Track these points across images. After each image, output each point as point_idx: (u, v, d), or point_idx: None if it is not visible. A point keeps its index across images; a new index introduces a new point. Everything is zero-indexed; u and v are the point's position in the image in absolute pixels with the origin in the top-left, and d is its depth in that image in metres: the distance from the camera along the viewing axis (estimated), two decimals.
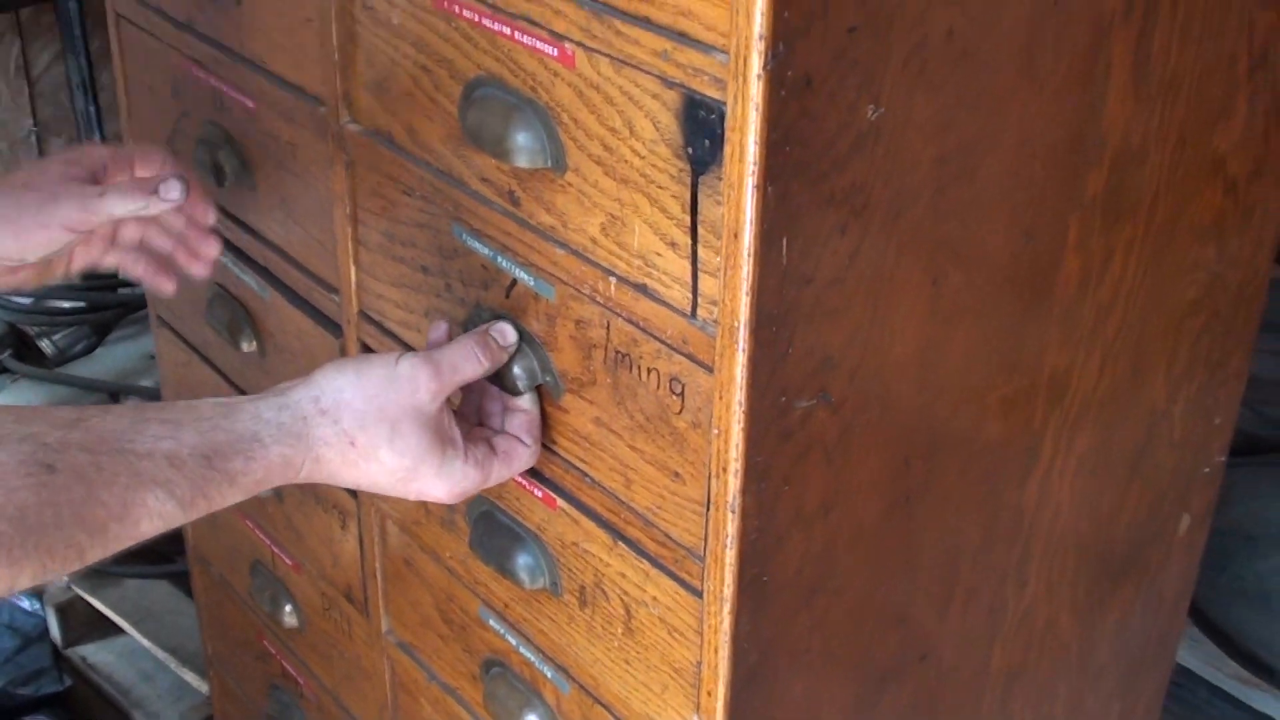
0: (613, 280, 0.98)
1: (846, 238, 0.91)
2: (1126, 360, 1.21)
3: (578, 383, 1.05)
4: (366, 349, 1.28)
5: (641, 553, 1.05)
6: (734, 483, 0.94)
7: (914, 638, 1.17)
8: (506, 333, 1.08)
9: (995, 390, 1.10)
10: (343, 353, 1.32)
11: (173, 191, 1.13)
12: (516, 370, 1.08)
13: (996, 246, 1.02)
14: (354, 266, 1.24)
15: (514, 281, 1.07)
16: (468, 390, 1.11)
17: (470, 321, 1.13)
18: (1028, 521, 1.21)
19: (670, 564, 1.03)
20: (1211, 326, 1.28)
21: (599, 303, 1.00)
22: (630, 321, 0.98)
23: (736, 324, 0.89)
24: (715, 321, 0.91)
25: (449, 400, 1.05)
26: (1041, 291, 1.09)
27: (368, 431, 0.99)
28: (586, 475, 1.08)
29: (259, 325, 1.47)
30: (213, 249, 1.27)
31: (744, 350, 0.90)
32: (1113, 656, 1.44)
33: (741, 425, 0.92)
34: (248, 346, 1.47)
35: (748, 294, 0.88)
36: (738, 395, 0.91)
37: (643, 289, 0.96)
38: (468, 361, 1.05)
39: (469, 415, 1.12)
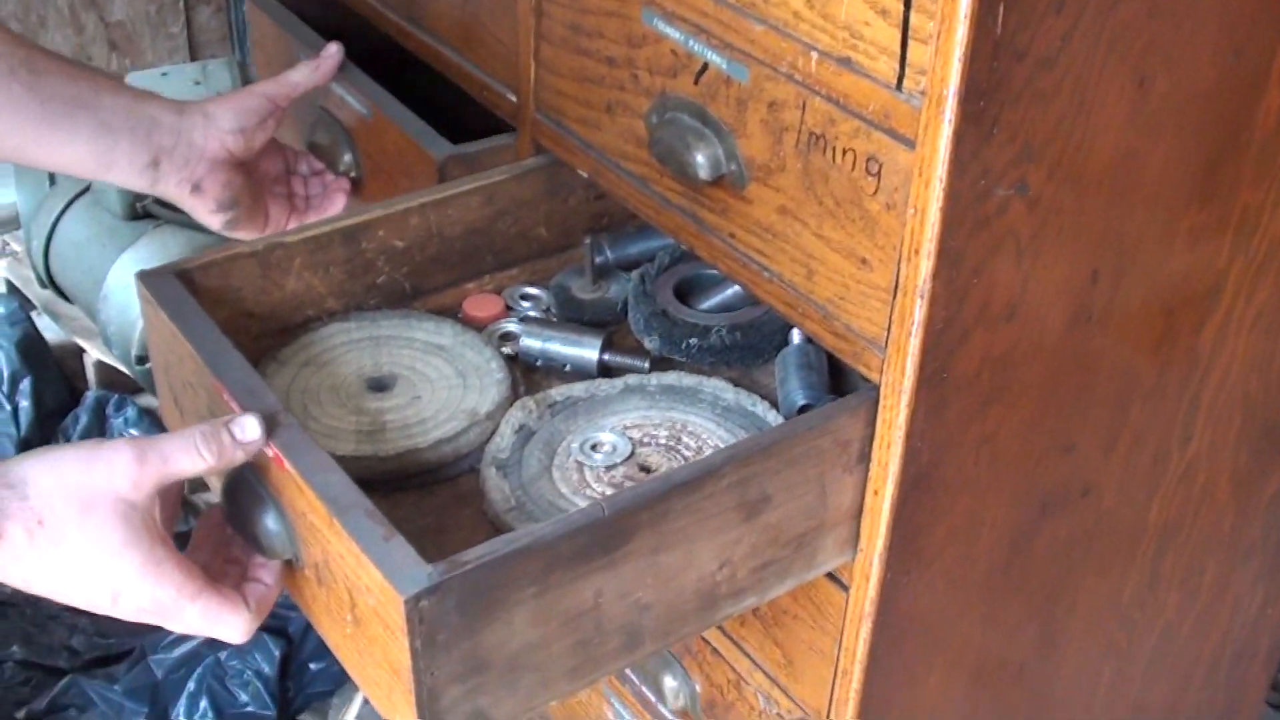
0: (814, 55, 0.96)
1: (1062, 17, 0.88)
2: None
3: (765, 170, 1.04)
4: (540, 149, 1.27)
5: None
6: (926, 265, 0.93)
7: (1079, 470, 1.14)
8: (246, 427, 0.94)
9: (1186, 216, 1.07)
10: (442, 172, 1.31)
11: (332, 53, 1.38)
12: (700, 159, 1.06)
13: (1205, 58, 0.99)
14: (534, 63, 1.23)
15: (705, 66, 1.05)
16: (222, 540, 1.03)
17: (653, 111, 1.11)
18: (1200, 370, 1.18)
19: (849, 358, 1.01)
20: None
21: (797, 81, 0.98)
22: (829, 99, 0.96)
23: (946, 93, 0.87)
24: (922, 92, 0.89)
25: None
26: (1242, 120, 1.05)
27: (55, 511, 0.88)
28: (766, 269, 1.06)
29: (360, 146, 1.46)
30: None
31: (950, 123, 0.88)
32: (1263, 536, 1.41)
33: (940, 204, 0.90)
34: (345, 170, 1.46)
35: (960, 60, 0.86)
36: (939, 171, 0.89)
37: (846, 62, 0.94)
38: (184, 454, 0.92)
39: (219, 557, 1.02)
